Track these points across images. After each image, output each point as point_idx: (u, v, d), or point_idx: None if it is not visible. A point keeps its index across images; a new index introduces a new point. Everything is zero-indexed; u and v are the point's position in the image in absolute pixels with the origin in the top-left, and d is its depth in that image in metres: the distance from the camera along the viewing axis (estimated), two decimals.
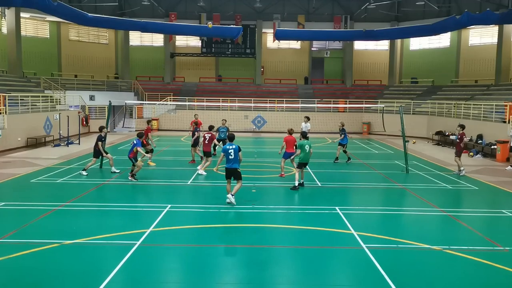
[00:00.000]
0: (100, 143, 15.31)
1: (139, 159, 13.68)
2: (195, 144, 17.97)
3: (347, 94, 38.55)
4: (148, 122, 18.99)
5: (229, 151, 11.30)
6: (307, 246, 8.64)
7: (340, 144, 18.63)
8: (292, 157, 14.93)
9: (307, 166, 14.26)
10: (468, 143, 22.84)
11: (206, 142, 15.78)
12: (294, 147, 14.52)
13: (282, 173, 15.42)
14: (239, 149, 11.40)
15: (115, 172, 15.35)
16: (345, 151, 18.67)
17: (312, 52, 42.59)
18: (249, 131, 32.07)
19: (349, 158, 18.73)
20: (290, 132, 15.14)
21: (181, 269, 7.62)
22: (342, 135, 18.55)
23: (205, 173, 15.53)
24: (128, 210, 11.19)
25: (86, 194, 12.47)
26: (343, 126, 18.91)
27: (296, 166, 13.83)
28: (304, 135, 13.98)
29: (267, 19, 38.69)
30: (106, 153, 15.57)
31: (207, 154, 15.88)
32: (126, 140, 26.41)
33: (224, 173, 11.69)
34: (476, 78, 35.14)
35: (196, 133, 18.14)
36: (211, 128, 16.61)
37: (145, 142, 17.80)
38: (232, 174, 11.44)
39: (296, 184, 13.43)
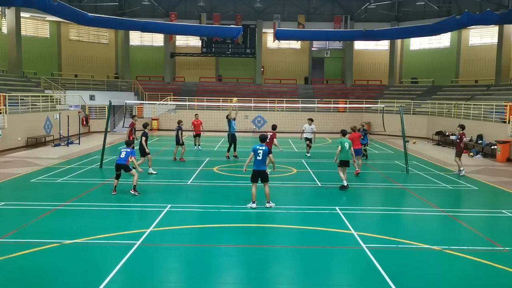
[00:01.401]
0: (144, 138, 15.16)
1: (133, 169, 12.67)
2: (177, 142, 18.30)
3: (347, 94, 38.54)
4: (133, 117, 19.14)
5: (258, 151, 11.01)
6: (307, 246, 8.64)
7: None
8: (335, 158, 13.93)
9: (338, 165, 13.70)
10: (468, 143, 22.83)
11: (268, 140, 15.79)
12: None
13: (357, 169, 15.82)
14: (270, 152, 11.10)
15: (152, 174, 15.30)
16: (365, 149, 19.54)
17: (312, 52, 42.58)
18: (249, 131, 32.05)
19: (366, 156, 19.71)
20: (354, 129, 15.58)
21: (181, 269, 7.62)
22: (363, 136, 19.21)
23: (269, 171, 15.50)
24: (128, 210, 11.20)
25: (86, 194, 12.47)
26: (363, 126, 19.72)
27: (338, 165, 13.48)
28: (344, 133, 13.77)
29: (267, 19, 38.68)
30: (148, 153, 15.31)
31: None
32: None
33: (250, 175, 11.22)
34: (476, 78, 35.13)
35: (179, 131, 18.28)
36: (274, 127, 16.61)
37: (131, 137, 18.05)
38: (260, 176, 11.09)
39: (345, 184, 13.28)
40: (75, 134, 25.58)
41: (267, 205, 11.20)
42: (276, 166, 17.73)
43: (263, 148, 11.10)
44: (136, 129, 18.73)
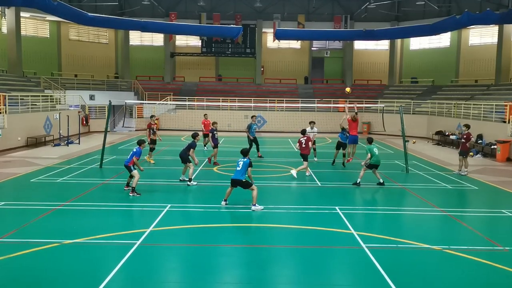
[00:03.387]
0: (192, 150, 14.17)
1: (134, 170, 12.46)
2: (215, 146, 17.84)
3: (347, 93, 38.48)
4: (151, 117, 18.98)
5: (239, 162, 11.14)
6: (307, 246, 8.64)
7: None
8: (364, 162, 14.45)
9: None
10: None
11: (303, 146, 15.43)
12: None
13: (350, 158, 17.14)
14: (250, 164, 11.12)
15: (184, 180, 14.28)
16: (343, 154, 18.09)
17: (312, 52, 42.57)
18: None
19: (334, 161, 18.39)
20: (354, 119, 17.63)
21: (181, 268, 7.63)
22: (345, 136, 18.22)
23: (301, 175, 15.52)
24: (128, 210, 11.21)
25: (86, 193, 12.47)
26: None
27: (368, 167, 14.22)
28: (370, 140, 14.40)
29: (267, 18, 38.68)
30: (196, 164, 14.42)
31: (304, 157, 15.48)
32: (126, 140, 26.43)
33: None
34: (476, 78, 35.13)
35: (214, 134, 17.83)
36: (304, 132, 15.96)
37: (149, 138, 18.00)
38: (237, 184, 11.15)
39: (381, 181, 14.22)
40: (75, 134, 25.57)
41: (252, 207, 10.98)
42: (276, 165, 17.86)
43: (244, 160, 11.18)
44: (154, 129, 18.47)
